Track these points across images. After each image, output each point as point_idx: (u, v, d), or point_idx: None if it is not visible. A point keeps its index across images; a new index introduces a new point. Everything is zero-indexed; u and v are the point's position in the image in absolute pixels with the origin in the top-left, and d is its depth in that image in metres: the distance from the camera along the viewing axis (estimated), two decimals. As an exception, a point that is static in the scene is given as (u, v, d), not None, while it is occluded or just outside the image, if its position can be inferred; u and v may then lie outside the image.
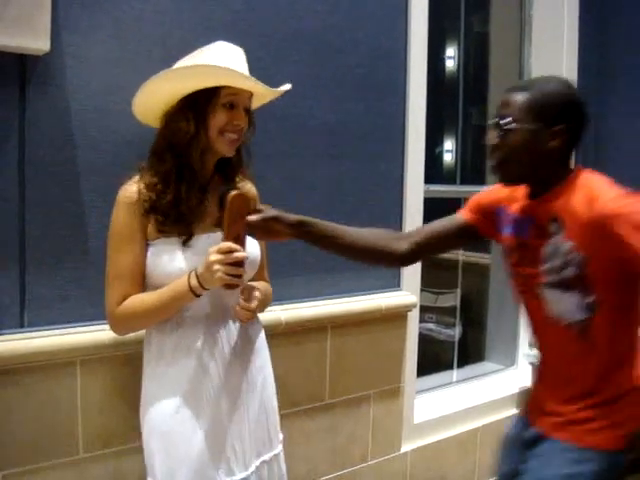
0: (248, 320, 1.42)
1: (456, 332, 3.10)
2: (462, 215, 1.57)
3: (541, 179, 1.34)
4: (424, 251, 1.58)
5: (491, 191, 1.55)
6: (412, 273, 2.38)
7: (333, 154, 2.12)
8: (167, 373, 1.38)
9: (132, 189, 1.36)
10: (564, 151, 1.32)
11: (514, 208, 1.44)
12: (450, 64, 3.10)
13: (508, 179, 1.38)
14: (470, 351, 3.20)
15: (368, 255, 1.55)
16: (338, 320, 2.15)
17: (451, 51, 3.10)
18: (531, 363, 2.88)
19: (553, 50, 2.92)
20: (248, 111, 1.42)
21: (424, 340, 2.67)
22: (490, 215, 1.52)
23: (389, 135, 2.29)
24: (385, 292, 2.29)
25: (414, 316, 2.42)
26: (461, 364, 3.04)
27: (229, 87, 1.36)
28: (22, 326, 1.57)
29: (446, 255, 2.91)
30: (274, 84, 1.97)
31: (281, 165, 2.02)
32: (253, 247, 1.44)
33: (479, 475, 2.68)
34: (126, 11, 1.66)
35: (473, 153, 3.12)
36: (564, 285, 1.30)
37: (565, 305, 1.31)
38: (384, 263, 1.64)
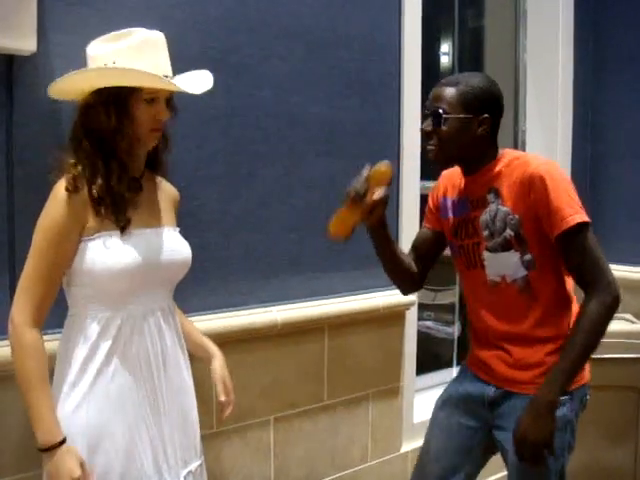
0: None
1: (455, 329, 3.08)
2: (426, 225, 1.73)
3: (473, 160, 1.53)
4: (426, 271, 1.72)
5: (432, 192, 1.73)
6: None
7: (327, 151, 2.10)
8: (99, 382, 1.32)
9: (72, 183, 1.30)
10: (490, 135, 1.51)
11: (453, 193, 1.63)
12: (445, 60, 3.08)
13: (442, 161, 1.56)
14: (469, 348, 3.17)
15: (402, 273, 1.66)
16: (335, 320, 2.13)
17: (445, 46, 3.08)
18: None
19: (548, 44, 2.91)
20: (169, 99, 1.40)
21: (423, 338, 2.65)
22: (440, 212, 1.67)
23: (384, 131, 2.27)
24: (383, 291, 2.26)
25: (412, 314, 2.41)
26: (460, 361, 3.01)
27: None
28: (13, 331, 1.54)
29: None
30: (266, 80, 1.96)
31: (274, 163, 2.00)
32: (186, 247, 1.45)
33: (481, 473, 2.66)
34: (114, 8, 1.64)
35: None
36: (505, 246, 1.49)
37: (507, 264, 1.49)
38: (408, 285, 1.73)
